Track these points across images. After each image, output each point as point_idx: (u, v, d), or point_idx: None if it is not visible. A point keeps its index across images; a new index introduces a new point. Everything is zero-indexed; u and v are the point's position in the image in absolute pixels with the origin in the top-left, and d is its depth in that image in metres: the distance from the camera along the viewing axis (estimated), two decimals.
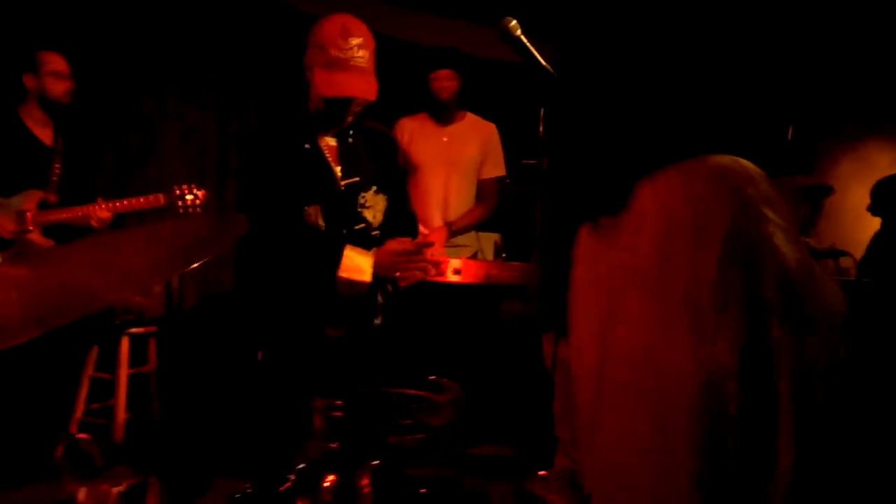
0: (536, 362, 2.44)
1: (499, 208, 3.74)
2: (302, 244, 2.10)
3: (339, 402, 0.69)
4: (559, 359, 2.35)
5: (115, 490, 0.83)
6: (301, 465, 0.68)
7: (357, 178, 2.24)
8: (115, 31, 4.19)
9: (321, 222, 2.13)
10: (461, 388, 0.75)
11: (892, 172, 4.89)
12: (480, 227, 3.73)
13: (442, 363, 3.15)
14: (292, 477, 0.69)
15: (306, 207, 2.11)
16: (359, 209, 2.22)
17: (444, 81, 3.57)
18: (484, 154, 3.68)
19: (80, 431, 3.56)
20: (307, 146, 2.18)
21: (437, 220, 3.62)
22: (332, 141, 2.24)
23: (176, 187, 3.38)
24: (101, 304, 0.89)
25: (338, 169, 2.22)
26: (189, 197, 3.38)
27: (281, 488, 0.69)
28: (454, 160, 3.64)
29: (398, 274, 2.14)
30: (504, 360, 3.48)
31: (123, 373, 3.54)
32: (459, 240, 3.64)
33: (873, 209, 3.82)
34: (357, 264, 2.08)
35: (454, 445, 0.70)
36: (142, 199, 3.32)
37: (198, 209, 3.41)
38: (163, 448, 3.64)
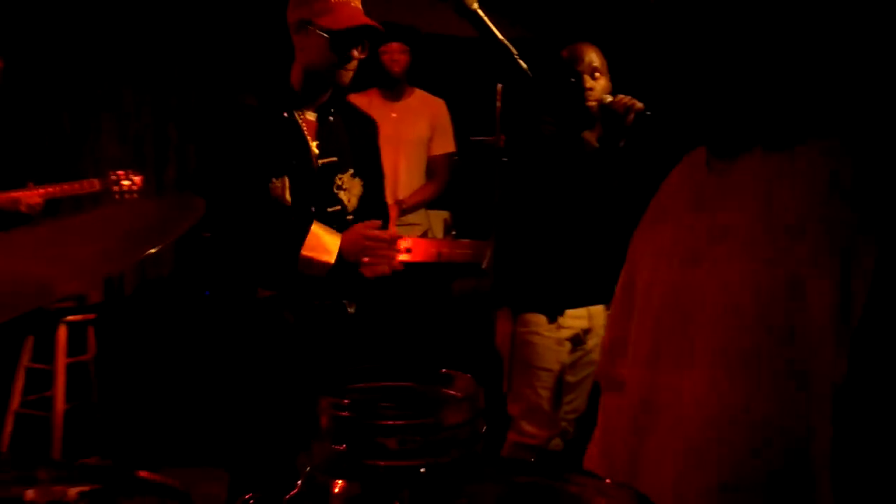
0: (488, 340, 2.44)
1: (448, 185, 3.72)
2: (264, 216, 1.98)
3: (346, 401, 0.64)
4: (516, 335, 2.36)
5: (74, 490, 0.77)
6: (307, 469, 0.63)
7: (335, 158, 2.10)
8: (49, 11, 3.97)
9: (288, 197, 2.00)
10: (474, 381, 0.70)
11: None
12: (430, 204, 3.70)
13: (395, 343, 3.13)
14: (300, 483, 0.64)
15: (273, 179, 1.98)
16: (335, 190, 2.09)
17: (395, 54, 3.52)
18: (433, 130, 3.65)
19: (16, 423, 3.42)
20: (285, 115, 2.05)
21: (387, 198, 3.56)
22: (311, 116, 2.10)
23: (111, 172, 3.30)
24: (53, 296, 0.83)
25: (314, 145, 2.08)
26: (126, 182, 3.32)
27: (287, 496, 0.64)
28: (404, 137, 3.59)
29: (365, 260, 2.01)
30: (455, 337, 3.48)
31: (61, 362, 3.40)
32: (409, 218, 3.61)
33: None
34: (323, 243, 1.97)
35: (469, 445, 0.65)
36: (76, 185, 3.22)
37: (134, 195, 3.34)
38: (104, 438, 3.53)
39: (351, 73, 2.09)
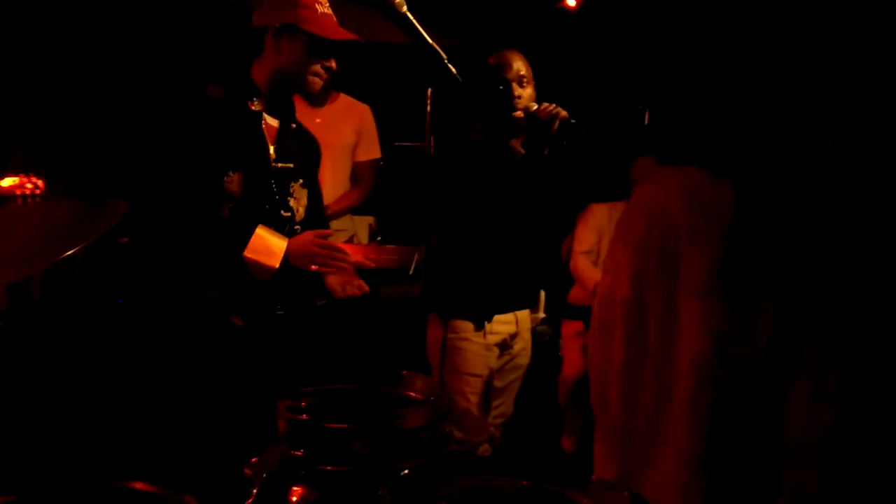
0: (417, 345, 2.43)
1: (373, 191, 3.69)
2: (213, 212, 1.93)
3: (304, 404, 0.61)
4: (448, 340, 2.35)
5: None
6: (263, 476, 0.60)
7: (291, 165, 2.09)
8: None
9: (239, 191, 1.95)
10: (438, 384, 0.68)
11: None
12: (355, 210, 3.66)
13: (324, 350, 3.08)
14: (255, 491, 0.60)
15: (230, 172, 1.93)
16: (287, 196, 2.07)
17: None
18: (358, 136, 3.61)
19: None
20: (252, 107, 2.02)
21: None
22: (273, 121, 2.09)
23: (16, 175, 3.15)
24: None
25: (272, 148, 2.06)
26: (29, 186, 3.16)
27: None
28: (328, 142, 3.51)
29: (313, 268, 1.98)
30: (383, 343, 3.45)
31: None
32: (335, 224, 3.55)
33: None
34: (269, 246, 1.91)
35: (433, 449, 0.63)
36: None
37: (37, 199, 3.19)
38: (5, 454, 3.34)
39: (321, 83, 2.15)
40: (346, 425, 0.60)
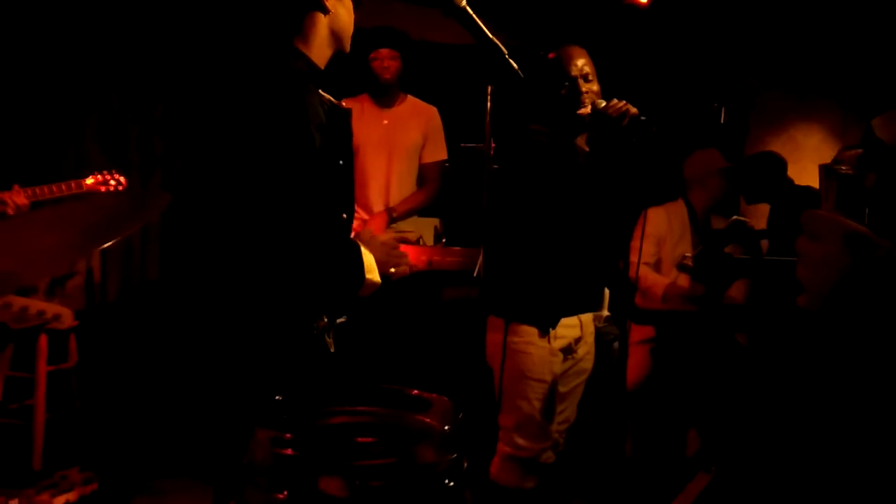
0: (478, 349, 2.38)
1: (439, 193, 3.67)
2: (328, 236, 1.71)
3: (288, 436, 0.49)
4: (507, 345, 2.29)
5: (61, 499, 0.70)
6: None
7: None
8: (36, 11, 3.92)
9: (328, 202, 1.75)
10: (450, 403, 0.57)
11: (819, 153, 5.02)
12: (421, 212, 3.65)
13: (385, 353, 3.07)
14: None
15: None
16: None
17: (386, 61, 3.47)
18: (425, 138, 3.60)
19: None
20: (343, 104, 1.81)
21: (378, 205, 3.53)
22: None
23: (97, 173, 3.26)
24: (16, 284, 0.78)
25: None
26: (112, 183, 3.28)
27: None
28: (395, 143, 3.54)
29: (391, 270, 1.82)
30: (445, 346, 3.42)
31: (42, 370, 3.32)
32: (400, 225, 3.55)
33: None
34: (369, 262, 1.73)
35: (447, 489, 0.51)
36: (62, 186, 3.16)
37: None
38: (86, 448, 3.45)
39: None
40: (340, 463, 0.48)
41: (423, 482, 0.42)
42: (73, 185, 3.20)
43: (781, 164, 3.70)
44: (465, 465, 0.49)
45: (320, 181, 1.67)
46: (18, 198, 3.04)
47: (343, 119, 1.84)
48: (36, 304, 3.30)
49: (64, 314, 3.37)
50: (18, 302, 3.21)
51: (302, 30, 1.76)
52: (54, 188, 3.15)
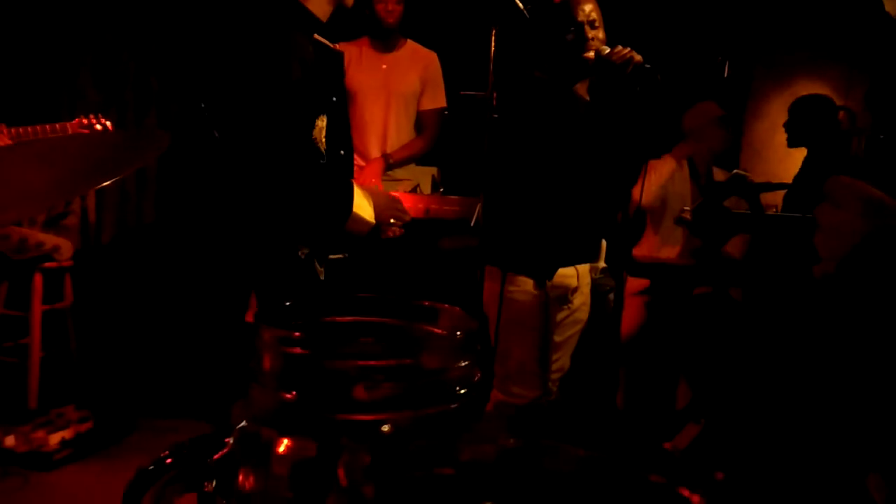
0: (475, 297, 2.38)
1: (437, 141, 3.62)
2: (311, 164, 1.81)
3: (297, 334, 0.49)
4: (504, 294, 2.29)
5: (57, 436, 0.69)
6: (242, 423, 0.50)
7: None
8: None
9: (323, 139, 1.83)
10: (466, 315, 0.56)
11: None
12: (419, 160, 3.61)
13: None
14: (230, 440, 0.50)
15: (316, 119, 1.80)
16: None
17: (391, 4, 3.39)
18: (424, 84, 3.54)
19: None
20: (336, 47, 1.89)
21: (375, 151, 3.48)
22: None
23: (83, 116, 3.26)
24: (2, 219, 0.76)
25: None
26: (98, 127, 3.25)
27: (214, 456, 0.50)
28: (394, 89, 3.48)
29: (392, 221, 1.97)
30: (442, 295, 3.42)
31: (37, 309, 3.32)
32: (397, 173, 3.52)
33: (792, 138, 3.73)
34: (362, 202, 1.87)
35: (459, 395, 0.51)
36: (47, 128, 3.12)
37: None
38: (81, 387, 3.48)
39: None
40: (350, 363, 0.48)
41: (432, 385, 0.42)
42: (58, 127, 3.17)
43: (833, 108, 3.62)
44: (479, 375, 0.48)
45: (299, 114, 1.74)
46: (2, 138, 3.00)
47: (334, 60, 1.89)
48: (35, 236, 3.28)
49: (63, 246, 3.36)
50: (17, 232, 3.20)
51: None
52: (38, 128, 3.12)
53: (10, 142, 3.00)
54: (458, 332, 0.53)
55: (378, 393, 0.46)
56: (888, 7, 1.76)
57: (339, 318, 0.56)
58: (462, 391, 0.52)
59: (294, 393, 0.47)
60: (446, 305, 0.59)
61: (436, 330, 0.59)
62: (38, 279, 3.32)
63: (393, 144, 3.50)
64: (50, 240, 3.31)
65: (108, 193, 4.08)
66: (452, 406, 0.50)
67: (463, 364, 0.52)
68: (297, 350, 0.47)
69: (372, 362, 0.47)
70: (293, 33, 1.78)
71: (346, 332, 0.58)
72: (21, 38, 3.86)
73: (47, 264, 3.36)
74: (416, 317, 0.59)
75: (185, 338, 3.41)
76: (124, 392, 3.45)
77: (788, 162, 4.63)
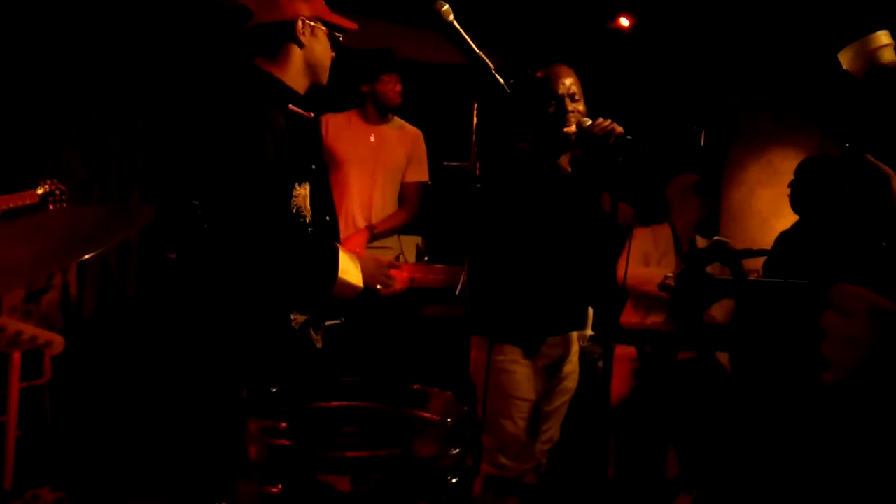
0: (461, 367, 2.36)
1: (419, 213, 3.67)
2: (294, 231, 1.83)
3: (283, 425, 0.46)
4: (492, 364, 2.27)
5: None
6: None
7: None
8: (17, 25, 3.87)
9: (308, 206, 1.86)
10: (456, 399, 0.54)
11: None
12: (402, 230, 3.64)
13: (366, 369, 3.04)
14: None
15: (297, 185, 1.83)
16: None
17: (398, 85, 3.50)
18: (409, 159, 3.62)
19: None
20: (311, 114, 1.94)
21: (360, 221, 3.52)
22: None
23: (44, 182, 3.25)
24: None
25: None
26: (57, 192, 3.29)
27: None
28: (381, 161, 3.55)
29: (378, 286, 1.99)
30: (428, 364, 3.39)
31: (15, 387, 3.24)
32: (382, 242, 3.54)
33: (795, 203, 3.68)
34: (348, 267, 1.88)
35: (449, 485, 0.47)
36: (16, 196, 3.13)
37: (63, 205, 3.30)
38: (59, 467, 3.37)
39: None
40: (337, 454, 0.45)
41: (424, 476, 0.39)
42: (26, 195, 3.17)
43: (841, 176, 3.60)
44: (470, 462, 0.45)
45: (276, 185, 1.77)
46: None
47: (309, 128, 1.95)
48: (29, 330, 3.23)
49: (55, 341, 3.30)
50: (13, 326, 3.15)
51: (277, 58, 1.91)
52: (7, 197, 3.12)
53: None
54: (449, 419, 0.51)
55: (368, 486, 0.43)
56: (844, 64, 1.83)
57: (327, 404, 0.53)
58: (454, 480, 0.49)
59: (280, 486, 0.45)
60: (436, 389, 0.57)
61: (426, 415, 0.56)
62: (16, 356, 3.25)
63: (378, 214, 3.53)
64: (43, 335, 3.25)
65: (90, 266, 4.05)
66: (444, 497, 0.48)
67: (454, 451, 0.50)
68: (283, 441, 0.45)
69: (361, 453, 0.44)
70: (265, 106, 1.84)
71: (335, 419, 0.55)
72: (4, 113, 3.89)
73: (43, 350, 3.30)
74: (406, 401, 0.57)
75: (168, 417, 3.34)
76: (103, 473, 3.35)
77: (766, 228, 4.71)
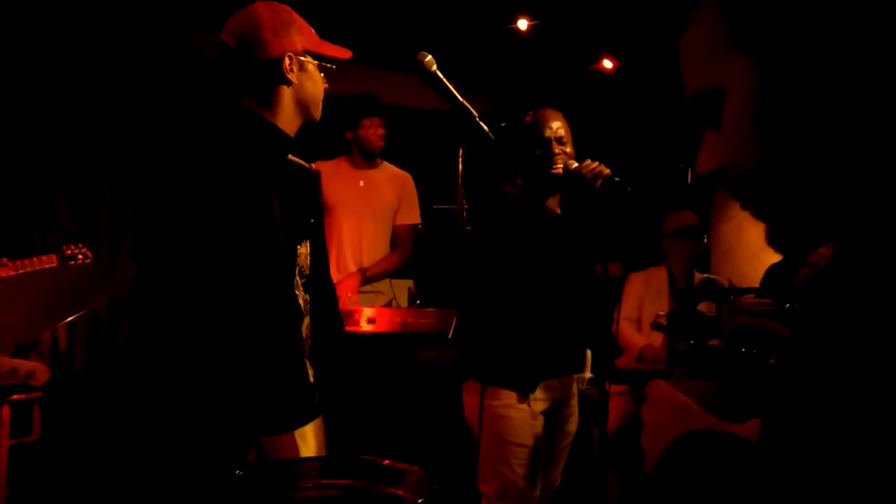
0: (456, 411, 2.34)
1: (412, 256, 3.67)
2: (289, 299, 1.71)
3: None
4: (486, 409, 2.25)
5: None
6: None
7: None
8: (4, 71, 3.90)
9: (308, 264, 1.77)
10: (424, 474, 0.55)
11: None
12: (394, 273, 3.64)
13: (360, 416, 3.00)
14: None
15: (298, 245, 1.73)
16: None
17: (380, 129, 3.53)
18: (400, 201, 3.64)
19: None
20: (312, 167, 1.85)
21: (351, 265, 3.52)
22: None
23: (66, 247, 3.30)
24: None
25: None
26: (80, 256, 3.30)
27: None
28: (371, 204, 3.57)
29: None
30: (421, 409, 3.36)
31: (4, 444, 3.19)
32: (373, 286, 3.53)
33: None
34: (305, 433, 1.85)
35: None
36: (34, 260, 3.15)
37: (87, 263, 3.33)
38: None
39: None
40: None
41: None
42: (45, 259, 3.20)
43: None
44: None
45: (271, 252, 1.65)
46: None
47: (311, 181, 1.87)
48: (9, 362, 3.20)
49: (38, 370, 3.26)
50: None
51: (268, 101, 1.76)
52: (27, 262, 3.14)
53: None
54: (420, 499, 0.51)
55: None
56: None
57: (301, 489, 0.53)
58: None
59: None
60: (406, 465, 0.57)
61: (398, 492, 0.56)
62: (5, 412, 3.21)
63: (369, 258, 3.54)
64: (24, 365, 3.22)
65: (80, 319, 4.01)
66: None
67: None
68: None
69: None
70: (271, 161, 1.73)
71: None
72: None
73: (16, 396, 3.25)
74: (377, 478, 0.57)
75: (161, 475, 3.28)
76: None
77: (756, 263, 4.73)
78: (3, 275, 2.97)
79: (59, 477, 3.55)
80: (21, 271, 3.05)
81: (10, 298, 0.76)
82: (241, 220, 1.60)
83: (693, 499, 0.80)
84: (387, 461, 1.06)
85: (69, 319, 0.67)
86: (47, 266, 3.21)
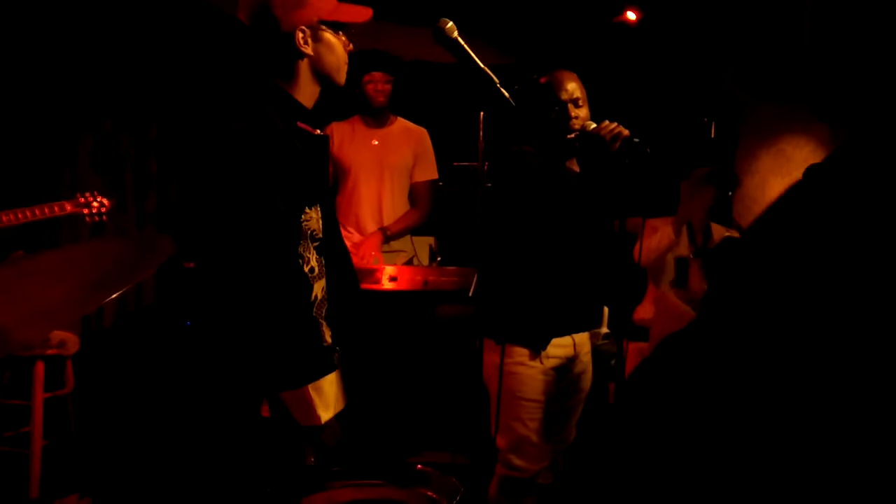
0: (474, 368, 2.38)
1: (431, 212, 3.68)
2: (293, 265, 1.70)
3: None
4: (504, 365, 2.29)
5: None
6: None
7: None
8: (31, 33, 3.93)
9: (320, 227, 1.77)
10: (456, 482, 0.58)
11: (808, 166, 5.06)
12: (415, 231, 3.66)
13: (382, 375, 3.07)
14: None
15: (307, 209, 1.73)
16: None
17: (380, 84, 3.50)
18: (416, 158, 3.62)
19: None
20: (317, 132, 1.83)
21: (371, 225, 3.54)
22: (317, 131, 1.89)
23: (80, 195, 3.27)
24: (11, 344, 0.77)
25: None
26: (95, 204, 3.28)
27: None
28: (386, 164, 3.56)
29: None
30: (441, 366, 3.42)
31: (39, 398, 3.31)
32: (394, 244, 3.57)
33: None
34: (329, 390, 1.75)
35: None
36: (45, 209, 3.14)
37: (104, 217, 3.33)
38: (84, 475, 3.44)
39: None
40: None
41: None
42: (56, 207, 3.18)
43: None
44: None
45: (271, 216, 1.67)
46: None
47: (318, 147, 1.85)
48: None
49: (69, 340, 3.35)
50: None
51: (286, 74, 1.77)
52: (38, 210, 3.13)
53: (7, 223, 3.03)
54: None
55: None
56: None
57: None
58: None
59: None
60: (437, 472, 0.59)
61: (429, 493, 0.58)
62: (39, 367, 3.32)
63: (388, 217, 3.56)
64: (56, 335, 3.31)
65: None
66: None
67: None
68: None
69: None
70: (279, 130, 1.72)
71: None
72: (19, 121, 3.95)
73: (49, 352, 3.36)
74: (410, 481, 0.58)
75: (191, 424, 3.39)
76: (128, 480, 3.41)
77: None
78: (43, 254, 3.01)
79: (92, 428, 3.67)
80: (17, 222, 3.06)
81: (48, 276, 0.79)
82: (243, 187, 1.64)
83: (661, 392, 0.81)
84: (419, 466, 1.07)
85: (115, 296, 0.70)
86: (59, 214, 3.21)
